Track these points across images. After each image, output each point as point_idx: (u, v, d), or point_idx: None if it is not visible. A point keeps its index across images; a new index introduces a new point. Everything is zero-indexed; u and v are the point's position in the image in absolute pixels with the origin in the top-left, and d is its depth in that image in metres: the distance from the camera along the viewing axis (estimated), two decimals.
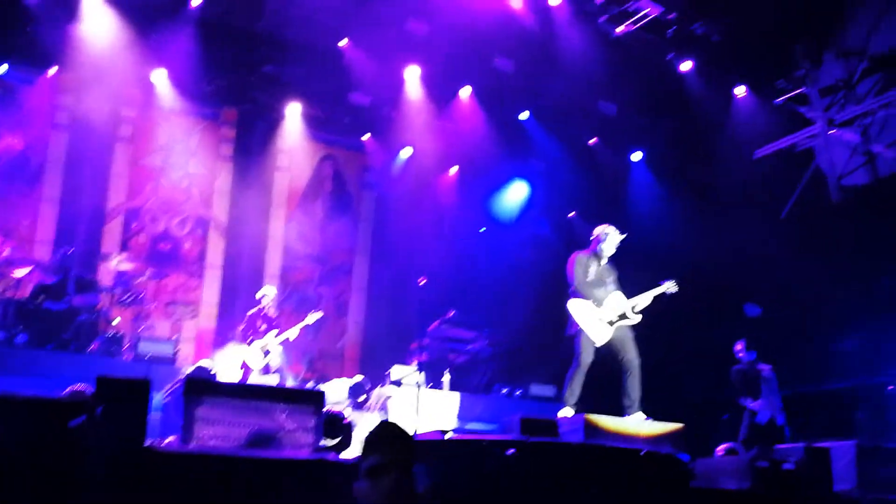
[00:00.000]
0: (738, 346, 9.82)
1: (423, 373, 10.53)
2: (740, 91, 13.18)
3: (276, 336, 10.95)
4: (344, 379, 11.71)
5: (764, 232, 12.28)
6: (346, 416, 6.43)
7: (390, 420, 3.10)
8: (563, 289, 8.17)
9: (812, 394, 11.09)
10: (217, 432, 5.16)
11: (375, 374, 11.81)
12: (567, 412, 7.57)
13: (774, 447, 7.14)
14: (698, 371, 12.22)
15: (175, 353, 10.70)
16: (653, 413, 7.64)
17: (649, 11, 11.51)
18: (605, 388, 8.17)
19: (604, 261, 8.06)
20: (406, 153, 15.16)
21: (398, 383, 11.11)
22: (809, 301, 11.49)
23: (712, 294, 12.02)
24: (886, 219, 11.37)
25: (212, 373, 10.54)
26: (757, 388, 9.50)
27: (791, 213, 12.67)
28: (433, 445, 4.68)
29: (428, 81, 13.47)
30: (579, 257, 8.03)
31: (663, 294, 7.96)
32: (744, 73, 13.03)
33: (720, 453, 7.15)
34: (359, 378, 11.35)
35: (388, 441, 2.97)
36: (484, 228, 15.60)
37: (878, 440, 8.86)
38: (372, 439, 3.00)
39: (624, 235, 8.08)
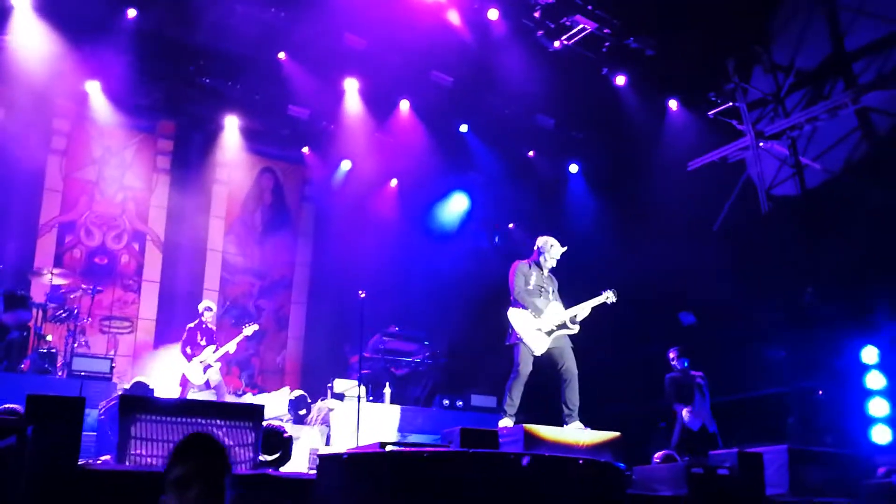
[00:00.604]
0: (672, 354, 9.96)
1: (364, 386, 10.51)
2: (673, 104, 13.46)
3: (214, 352, 10.82)
4: (285, 391, 11.65)
5: (698, 243, 12.53)
6: (286, 431, 6.39)
7: (199, 432, 3.01)
8: (503, 300, 8.24)
9: (744, 400, 11.33)
10: (153, 450, 5.09)
11: (316, 387, 11.76)
12: (507, 422, 7.62)
13: (708, 453, 7.27)
14: (635, 380, 12.41)
15: (111, 370, 10.49)
16: (591, 422, 7.74)
17: (585, 27, 11.70)
18: (544, 398, 8.25)
19: (545, 271, 8.14)
20: (346, 166, 15.15)
21: (340, 396, 11.08)
22: (741, 310, 11.75)
23: (648, 304, 12.23)
24: (813, 229, 11.72)
25: (150, 388, 10.37)
26: (690, 395, 9.64)
27: (723, 224, 12.97)
28: (372, 458, 4.68)
29: (366, 95, 13.48)
30: (520, 266, 8.11)
31: (603, 304, 8.07)
32: (677, 86, 13.31)
33: (657, 460, 7.25)
34: (299, 392, 11.30)
35: (194, 452, 2.90)
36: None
37: (809, 444, 9.11)
38: (178, 450, 2.91)
39: (565, 248, 8.18)
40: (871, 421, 10.01)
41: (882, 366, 10.13)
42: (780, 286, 11.66)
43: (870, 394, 10.12)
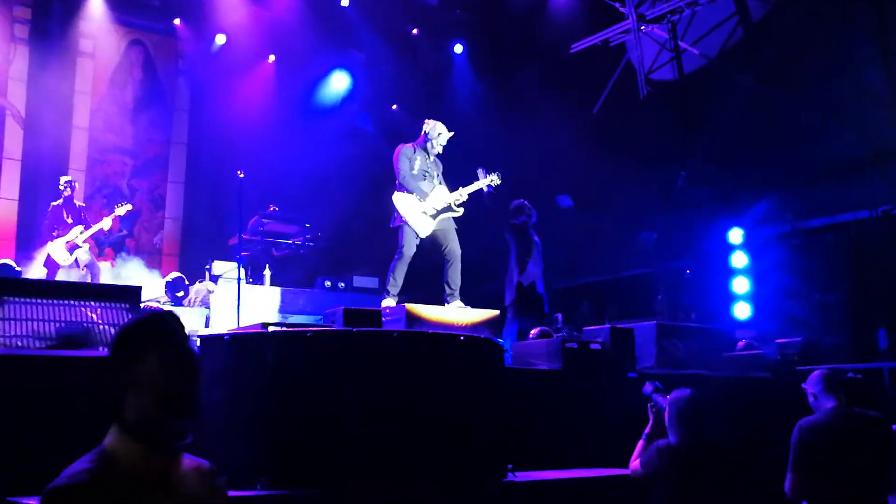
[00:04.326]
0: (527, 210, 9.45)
1: (243, 268, 10.36)
2: None
3: (82, 232, 10.35)
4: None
5: (578, 126, 12.69)
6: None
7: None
8: (386, 181, 8.17)
9: (617, 280, 11.77)
10: (23, 331, 4.90)
11: (195, 269, 11.55)
12: (389, 302, 7.69)
13: (583, 329, 7.53)
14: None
15: None
16: (471, 301, 7.89)
17: None
18: (427, 279, 8.34)
19: (431, 156, 8.07)
20: (220, 40, 14.47)
21: (217, 279, 10.92)
22: (616, 193, 12.06)
23: (528, 187, 12.38)
24: (687, 114, 12.03)
25: (17, 270, 9.96)
26: (528, 250, 9.49)
27: (603, 107, 13.15)
28: (255, 338, 4.65)
29: None
30: (405, 149, 8.01)
31: (488, 186, 8.08)
32: None
33: (533, 336, 7.47)
34: (177, 274, 11.07)
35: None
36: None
37: (676, 320, 9.57)
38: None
39: (451, 134, 8.09)
40: (734, 298, 10.61)
41: (746, 246, 10.68)
42: (654, 170, 11.99)
43: (733, 273, 10.69)
